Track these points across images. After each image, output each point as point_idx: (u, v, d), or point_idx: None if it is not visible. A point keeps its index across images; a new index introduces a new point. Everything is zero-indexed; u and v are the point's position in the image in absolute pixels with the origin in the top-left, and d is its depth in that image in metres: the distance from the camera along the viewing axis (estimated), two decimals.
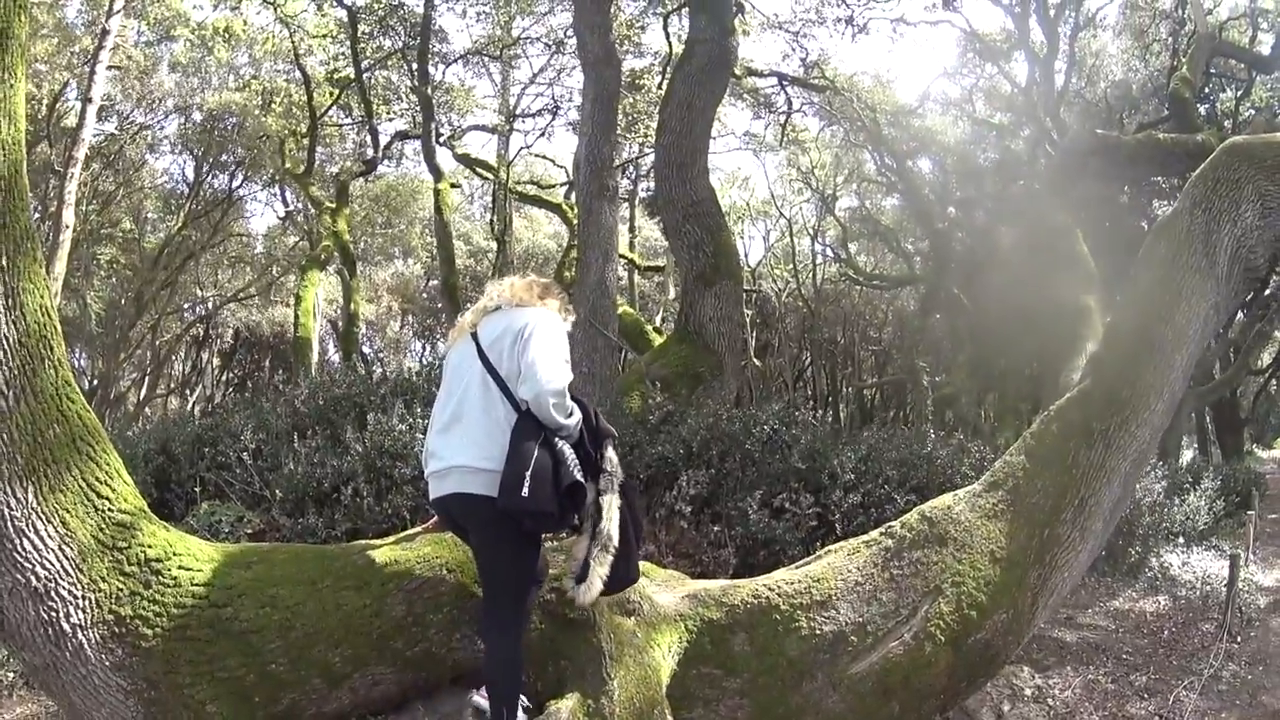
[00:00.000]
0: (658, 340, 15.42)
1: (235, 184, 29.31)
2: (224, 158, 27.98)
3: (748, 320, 30.08)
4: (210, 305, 33.25)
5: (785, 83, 22.75)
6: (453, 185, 22.91)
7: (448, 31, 24.14)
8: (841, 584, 4.73)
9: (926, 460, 9.06)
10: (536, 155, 28.39)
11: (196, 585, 3.98)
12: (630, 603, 4.55)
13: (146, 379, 32.78)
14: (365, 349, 37.84)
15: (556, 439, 3.94)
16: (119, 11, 20.32)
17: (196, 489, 8.11)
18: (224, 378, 36.23)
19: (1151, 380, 5.23)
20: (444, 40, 22.78)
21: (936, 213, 23.40)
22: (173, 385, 35.87)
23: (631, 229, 29.03)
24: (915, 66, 53.24)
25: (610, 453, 4.22)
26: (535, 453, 3.81)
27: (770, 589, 4.75)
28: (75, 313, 27.96)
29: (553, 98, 24.38)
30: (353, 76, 21.18)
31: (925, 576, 4.72)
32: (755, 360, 30.70)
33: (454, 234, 34.55)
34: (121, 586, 3.81)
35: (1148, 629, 8.59)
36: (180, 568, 3.99)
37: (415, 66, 20.64)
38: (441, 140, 23.10)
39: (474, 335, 4.19)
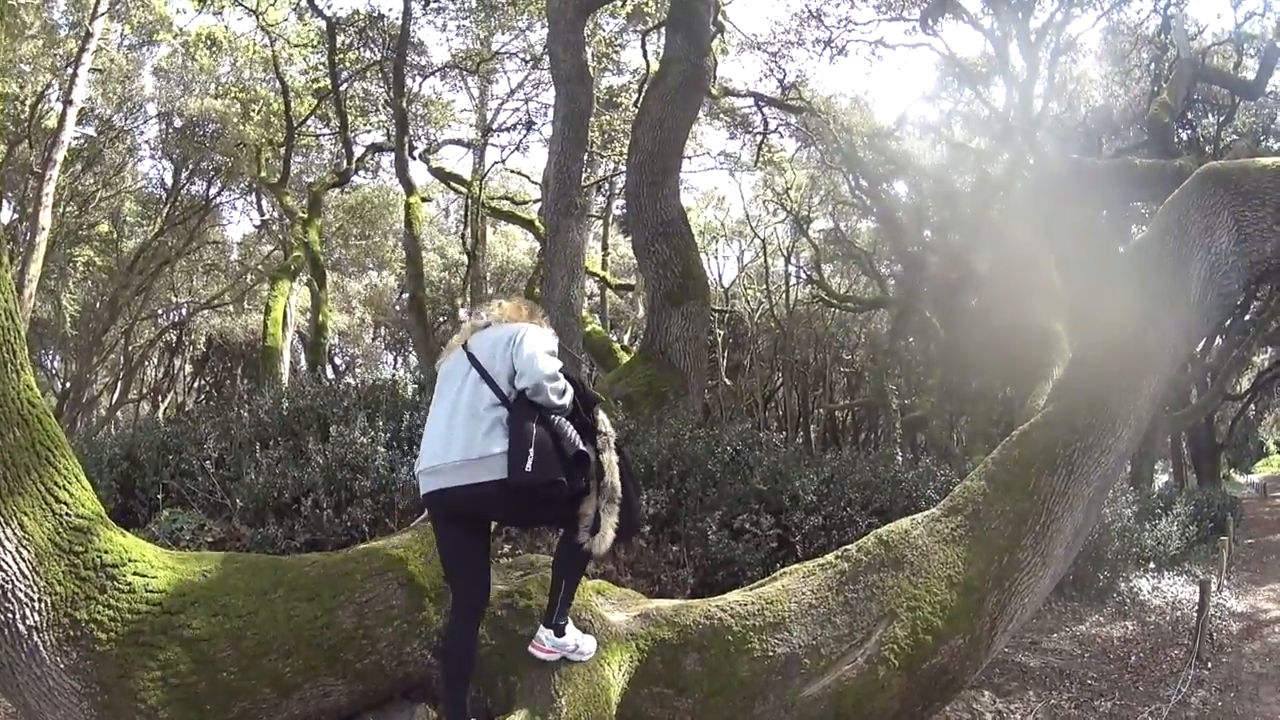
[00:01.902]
0: (625, 359, 15.37)
1: (213, 191, 29.18)
2: (203, 164, 27.81)
3: (719, 340, 30.16)
4: (184, 311, 33.03)
5: (762, 103, 22.82)
6: (424, 199, 22.83)
7: (427, 45, 24.01)
8: (795, 606, 4.69)
9: (891, 483, 9.03)
10: (511, 170, 28.44)
11: (151, 592, 3.99)
12: (581, 620, 4.51)
13: (119, 384, 32.47)
14: (338, 360, 37.77)
15: (552, 416, 4.24)
16: (103, 14, 20.26)
17: (159, 496, 7.98)
18: (196, 384, 36.03)
19: (1118, 406, 5.22)
20: (422, 53, 22.81)
21: (911, 236, 23.45)
22: (145, 390, 35.61)
23: (605, 247, 29.04)
24: (894, 90, 53.56)
25: (601, 415, 4.51)
26: (534, 430, 4.10)
27: (723, 610, 4.70)
28: (50, 315, 27.77)
29: (528, 113, 24.50)
30: (331, 87, 21.11)
31: (880, 600, 4.69)
32: (726, 380, 30.75)
33: (429, 248, 34.60)
34: (77, 590, 3.81)
35: (1114, 654, 8.58)
36: (135, 574, 4.00)
37: (392, 78, 20.57)
38: (416, 154, 23.09)
39: (464, 347, 4.46)
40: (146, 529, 7.20)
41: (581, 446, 4.23)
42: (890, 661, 4.49)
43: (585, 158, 12.62)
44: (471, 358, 4.36)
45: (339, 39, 20.61)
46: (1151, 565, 11.67)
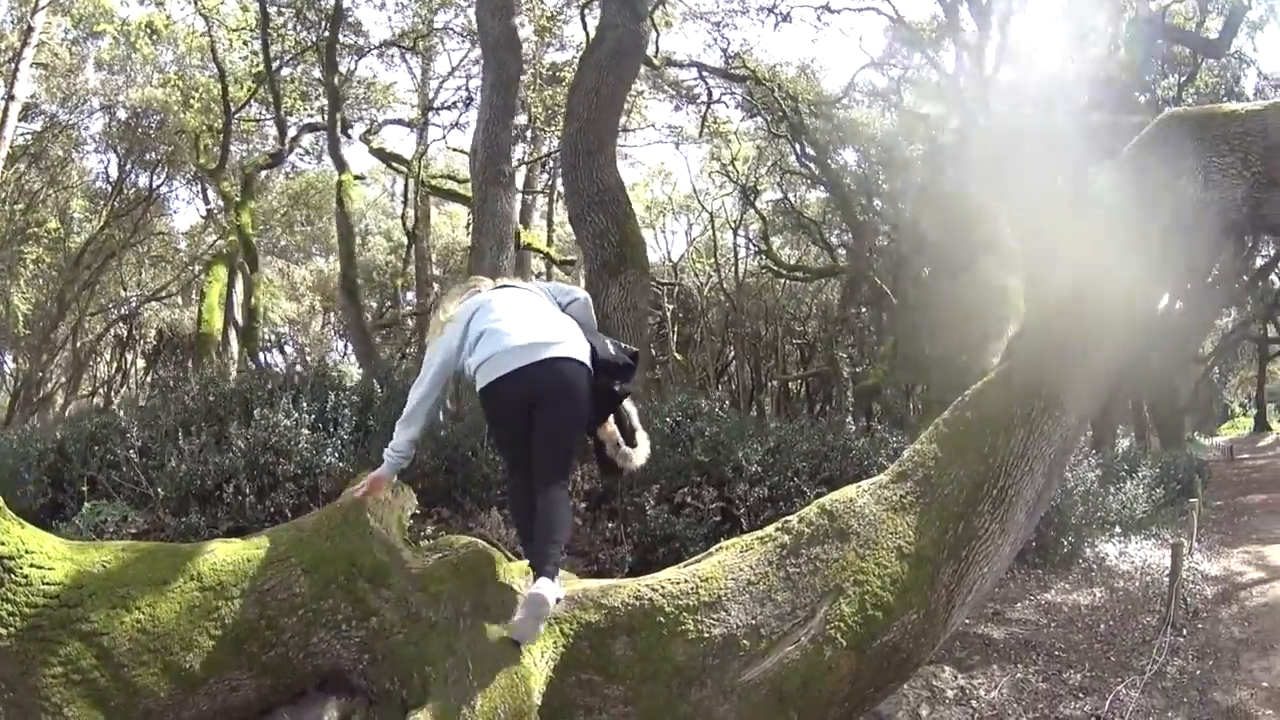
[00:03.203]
0: None
1: (157, 182, 28.61)
2: (147, 155, 27.25)
3: (669, 314, 29.94)
4: (132, 304, 32.45)
5: (705, 73, 22.52)
6: (357, 178, 22.36)
7: (365, 24, 23.50)
8: (732, 584, 4.34)
9: (840, 451, 8.75)
10: (454, 149, 27.99)
11: (48, 584, 3.86)
12: (500, 605, 4.26)
13: (71, 379, 31.88)
14: (289, 348, 37.26)
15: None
16: (44, 8, 19.71)
17: (84, 488, 7.81)
18: (149, 378, 35.47)
19: (1078, 362, 4.87)
20: (360, 33, 22.31)
21: (860, 205, 23.21)
22: (97, 386, 35.05)
23: (550, 224, 28.67)
24: (842, 57, 53.04)
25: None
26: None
27: (654, 589, 4.37)
28: (0, 314, 27.24)
29: (469, 90, 23.94)
30: (264, 68, 20.65)
31: (824, 575, 4.33)
32: (677, 355, 30.53)
33: (374, 231, 34.11)
34: None
35: (1082, 623, 8.27)
36: (32, 566, 3.87)
37: (325, 57, 20.13)
38: (356, 135, 22.68)
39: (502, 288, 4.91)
40: (72, 522, 7.20)
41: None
42: (837, 641, 4.13)
43: (515, 127, 12.33)
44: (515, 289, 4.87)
45: (275, 20, 20.19)
46: (1118, 530, 11.40)
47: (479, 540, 4.98)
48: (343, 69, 22.09)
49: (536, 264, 27.22)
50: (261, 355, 34.32)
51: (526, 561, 4.76)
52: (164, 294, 31.90)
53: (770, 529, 4.67)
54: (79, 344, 30.98)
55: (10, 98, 18.90)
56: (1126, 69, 16.13)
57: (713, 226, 31.20)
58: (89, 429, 8.71)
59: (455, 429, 8.39)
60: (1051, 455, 4.83)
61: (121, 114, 26.02)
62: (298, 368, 11.93)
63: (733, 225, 31.76)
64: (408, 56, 24.66)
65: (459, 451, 8.18)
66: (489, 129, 11.27)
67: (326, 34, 19.86)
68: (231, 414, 8.10)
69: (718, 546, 4.72)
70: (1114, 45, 19.43)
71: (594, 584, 4.65)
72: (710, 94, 23.44)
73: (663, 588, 4.37)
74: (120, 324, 33.70)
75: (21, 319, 27.50)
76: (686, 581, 4.39)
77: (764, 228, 29.97)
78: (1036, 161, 14.08)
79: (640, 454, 4.96)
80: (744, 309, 31.01)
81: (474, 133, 13.45)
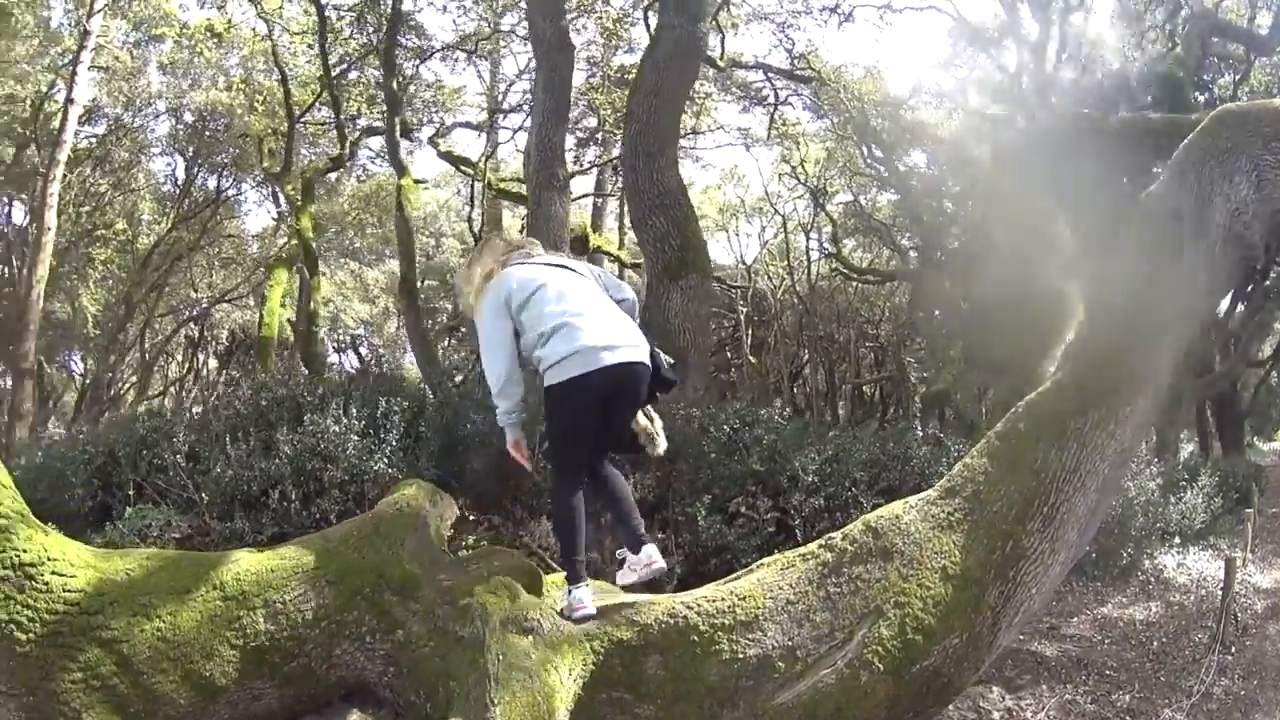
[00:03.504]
0: None
1: (225, 184, 28.89)
2: (215, 158, 27.53)
3: (743, 317, 29.69)
4: (202, 306, 32.91)
5: (771, 75, 22.30)
6: (418, 182, 22.37)
7: (428, 27, 23.54)
8: (770, 603, 4.20)
9: (900, 460, 8.51)
10: (523, 151, 27.88)
11: (69, 591, 3.85)
12: (529, 620, 4.15)
13: (139, 380, 32.39)
14: (363, 350, 37.56)
15: None
16: (99, 12, 20.04)
17: (131, 492, 7.88)
18: (222, 378, 35.98)
19: (1133, 371, 4.63)
20: (423, 36, 22.35)
21: (929, 206, 22.86)
22: (168, 386, 35.60)
23: (622, 227, 28.61)
24: (906, 58, 52.19)
25: None
26: None
27: (689, 607, 4.24)
28: (69, 315, 27.70)
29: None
30: (333, 74, 20.80)
31: (865, 596, 4.17)
32: (751, 358, 30.25)
33: (448, 234, 34.23)
34: None
35: (1136, 639, 7.97)
36: (54, 573, 3.86)
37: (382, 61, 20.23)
38: (412, 136, 22.72)
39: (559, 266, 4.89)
40: (117, 526, 7.16)
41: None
42: (874, 665, 3.97)
43: (585, 130, 12.31)
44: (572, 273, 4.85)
45: (335, 24, 20.40)
46: (1177, 540, 11.04)
47: (515, 552, 4.92)
48: (406, 72, 22.25)
49: (609, 268, 27.18)
50: (336, 356, 34.86)
51: (564, 574, 4.73)
52: (234, 295, 32.21)
53: (813, 545, 4.52)
54: (147, 345, 31.43)
55: (70, 101, 19.24)
56: (1182, 66, 15.64)
57: (785, 229, 30.88)
58: (140, 433, 8.71)
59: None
60: (1106, 470, 4.61)
61: (188, 117, 26.24)
62: (373, 368, 12.04)
63: (805, 228, 31.41)
64: (475, 59, 24.65)
65: (510, 458, 8.12)
66: (542, 131, 11.26)
67: (384, 37, 19.93)
68: (281, 419, 8.07)
69: (759, 563, 4.59)
70: (1170, 42, 18.95)
71: (631, 599, 4.54)
72: (777, 95, 23.22)
73: (698, 605, 4.25)
74: (191, 325, 34.15)
75: (91, 320, 27.91)
76: (723, 599, 4.26)
77: (834, 230, 29.62)
78: (1097, 162, 13.72)
79: (662, 442, 5.09)
80: (817, 312, 30.66)
81: (528, 136, 13.41)
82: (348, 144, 22.86)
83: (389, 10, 19.66)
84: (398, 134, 20.04)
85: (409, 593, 4.24)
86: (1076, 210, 13.28)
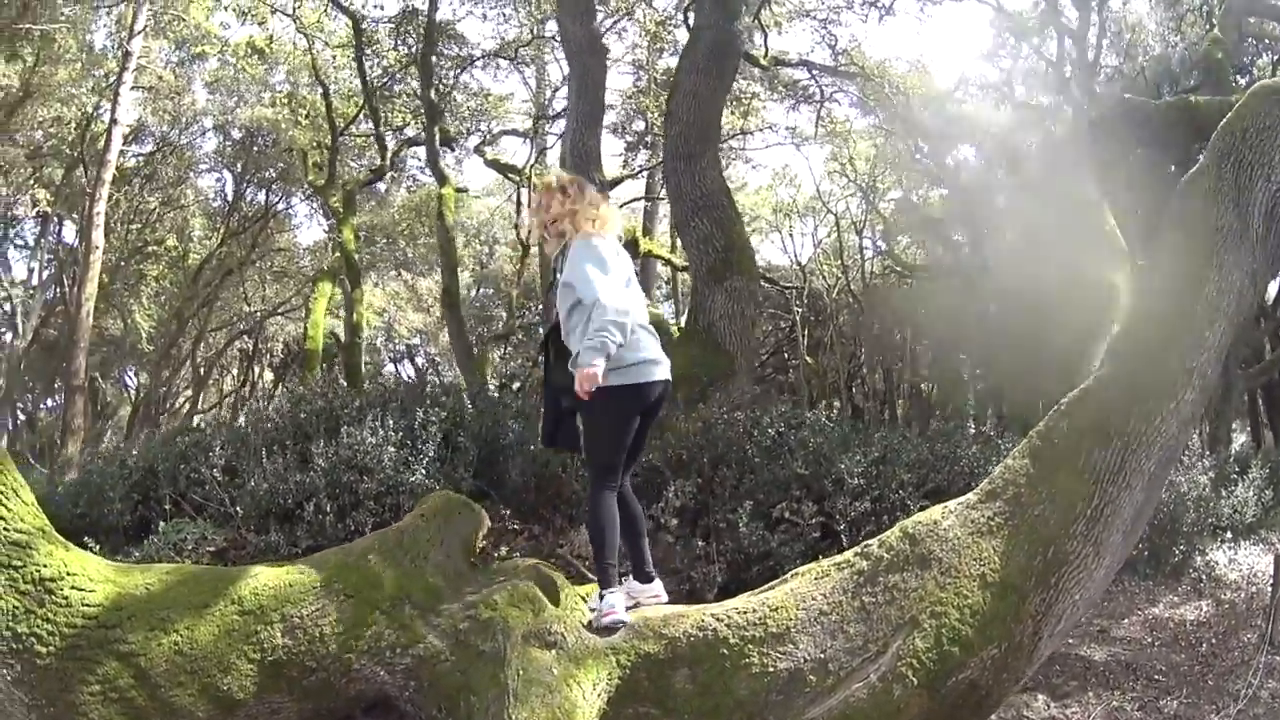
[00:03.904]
0: None
1: (274, 199, 29.19)
2: (267, 173, 27.80)
3: (798, 318, 29.40)
4: (254, 319, 33.24)
5: (815, 71, 22.10)
6: (459, 190, 22.33)
7: (470, 36, 23.53)
8: (803, 614, 4.07)
9: (948, 460, 8.28)
10: (560, 157, 27.78)
11: (88, 606, 3.94)
12: (552, 634, 4.12)
13: (192, 394, 32.80)
14: (419, 360, 37.73)
15: None
16: (140, 33, 20.30)
17: (167, 507, 7.89)
18: (278, 391, 36.29)
19: (1179, 364, 4.42)
20: (464, 44, 22.37)
21: (979, 200, 22.48)
22: (223, 399, 36.00)
23: (673, 231, 28.47)
24: (949, 50, 51.45)
25: None
26: None
27: (719, 619, 4.15)
28: (121, 330, 28.09)
29: None
30: (376, 85, 20.91)
31: (901, 606, 4.02)
32: (808, 359, 29.94)
33: (501, 241, 34.25)
34: (17, 604, 3.79)
35: (1186, 641, 7.64)
36: (73, 588, 3.95)
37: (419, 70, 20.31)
38: (454, 145, 22.75)
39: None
40: (154, 541, 7.14)
41: None
42: (908, 679, 3.80)
43: (634, 134, 12.25)
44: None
45: (374, 36, 20.57)
46: (1228, 535, 10.65)
47: (543, 564, 4.84)
48: (448, 81, 22.28)
49: (662, 270, 27.06)
50: (392, 366, 35.03)
51: (595, 584, 4.71)
52: (285, 308, 32.49)
53: (849, 554, 4.40)
54: (198, 359, 31.79)
55: (114, 122, 19.52)
56: (1221, 48, 15.22)
57: (838, 228, 30.56)
58: (179, 447, 8.78)
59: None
60: (1152, 468, 4.42)
61: (235, 133, 26.52)
62: (430, 377, 11.98)
63: (857, 226, 31.07)
64: (520, 67, 24.65)
65: (549, 468, 8.04)
66: (576, 136, 11.16)
67: (420, 45, 20.02)
68: (318, 431, 8.03)
69: (794, 572, 4.49)
70: (1208, 24, 18.51)
71: (656, 612, 4.44)
72: (823, 92, 23.04)
73: (728, 617, 4.15)
74: (245, 338, 34.49)
75: (145, 335, 28.27)
76: (754, 611, 4.16)
77: (885, 227, 29.27)
78: (1140, 149, 13.39)
79: None
80: (873, 310, 30.26)
81: (562, 141, 13.33)
82: (388, 155, 22.89)
83: (425, 21, 19.73)
84: (438, 143, 20.02)
85: (431, 606, 4.21)
86: (1122, 199, 12.96)
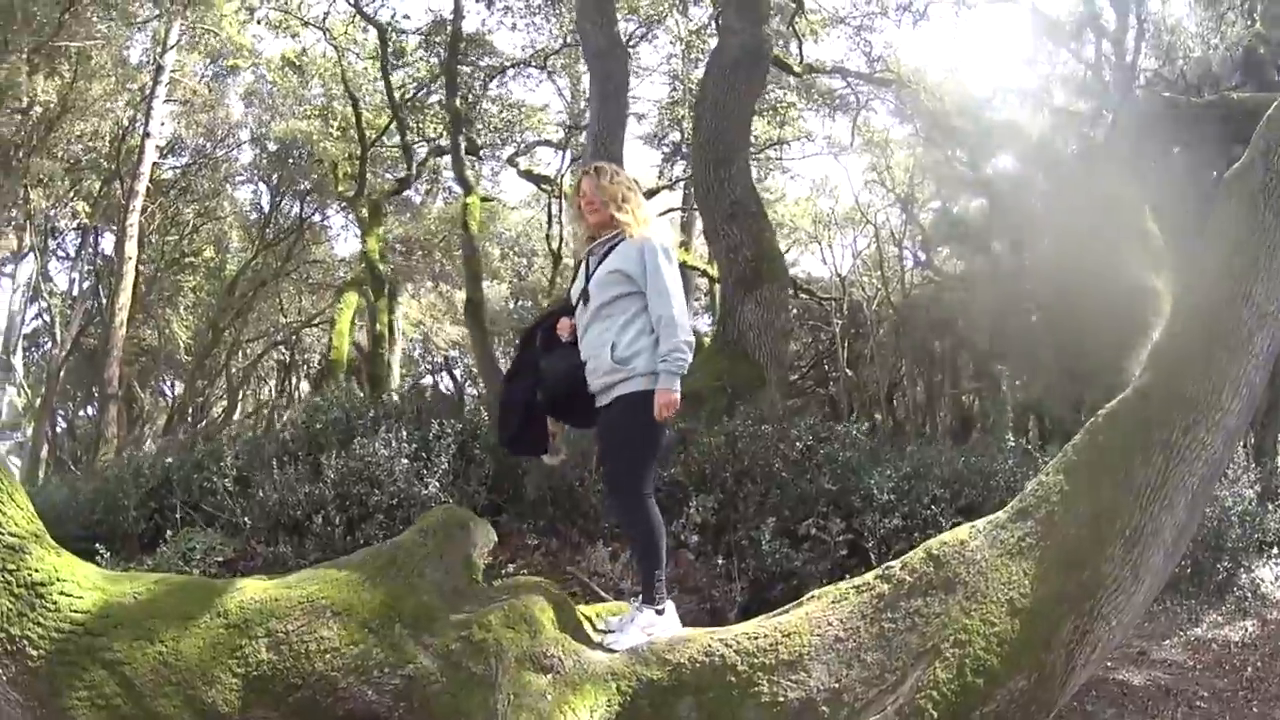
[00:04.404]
0: None
1: (309, 211, 29.34)
2: (302, 185, 27.92)
3: (838, 330, 29.08)
4: (288, 330, 33.41)
5: (849, 79, 21.90)
6: (485, 199, 22.23)
7: (502, 46, 23.47)
8: (818, 640, 3.80)
9: (982, 475, 7.98)
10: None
11: (75, 612, 3.88)
12: (548, 657, 3.93)
13: (226, 404, 32.98)
14: (457, 372, 37.74)
15: None
16: (173, 48, 20.50)
17: (178, 515, 7.95)
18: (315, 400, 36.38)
19: (1225, 372, 4.10)
20: (494, 54, 22.40)
21: (1018, 208, 22.11)
22: (260, 408, 36.18)
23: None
24: (984, 57, 50.72)
25: None
26: None
27: (727, 644, 3.88)
28: (160, 340, 28.28)
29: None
30: (407, 97, 20.96)
31: (923, 633, 3.74)
32: (848, 370, 29.58)
33: (539, 253, 34.17)
34: (11, 607, 3.76)
35: (1229, 664, 7.26)
36: (62, 593, 3.90)
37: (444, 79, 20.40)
38: (484, 155, 22.69)
39: None
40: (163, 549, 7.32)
41: None
42: (927, 712, 3.51)
43: (671, 144, 12.14)
44: None
45: (403, 47, 20.81)
46: (1275, 551, 10.21)
47: (548, 583, 4.65)
48: (478, 92, 22.33)
49: (701, 282, 26.86)
50: (430, 378, 35.02)
51: (604, 604, 4.77)
52: (320, 320, 32.58)
53: (870, 576, 4.13)
54: (233, 369, 31.95)
55: (145, 135, 19.70)
56: (1264, 43, 14.77)
57: (877, 239, 30.25)
58: (196, 457, 8.91)
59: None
60: (1195, 485, 4.10)
61: (271, 145, 26.66)
62: (468, 390, 11.85)
63: (896, 237, 30.74)
64: (555, 77, 24.60)
65: (565, 481, 7.88)
66: (598, 141, 11.07)
67: (444, 54, 20.11)
68: (331, 442, 8.02)
69: (810, 595, 4.21)
70: (1250, 20, 18.07)
71: (667, 636, 4.21)
72: (859, 100, 22.95)
73: (737, 643, 3.89)
74: (282, 348, 34.66)
75: (183, 345, 28.46)
76: (766, 636, 3.89)
77: (924, 236, 28.93)
78: (1182, 150, 13.02)
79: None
80: (914, 322, 29.87)
81: (584, 148, 13.18)
82: (414, 165, 22.93)
83: (464, 31, 19.77)
84: (462, 152, 20.03)
85: (423, 626, 4.05)
86: (1164, 201, 12.58)
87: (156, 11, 20.30)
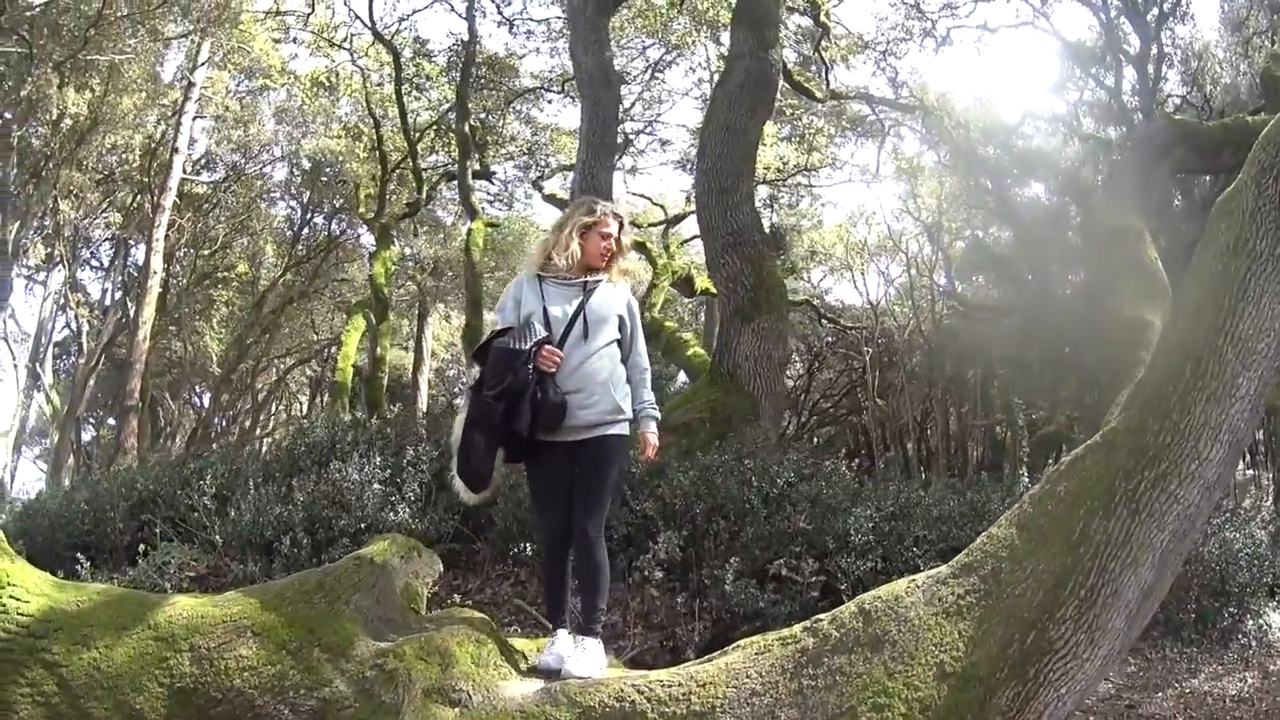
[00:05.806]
0: None
1: (338, 229, 29.53)
2: (333, 203, 28.06)
3: (868, 360, 28.78)
4: (314, 348, 33.57)
5: (874, 104, 21.72)
6: (489, 225, 22.12)
7: (519, 69, 23.45)
8: (733, 692, 3.63)
9: (972, 517, 7.70)
10: (633, 194, 27.56)
11: (22, 615, 4.21)
12: (457, 691, 3.97)
13: (249, 418, 33.11)
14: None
15: None
16: (204, 64, 20.81)
17: (156, 531, 8.03)
18: (302, 423, 36.53)
19: (1202, 416, 3.78)
20: (512, 76, 22.55)
21: (1046, 237, 21.72)
22: (288, 424, 36.32)
23: None
24: (1010, 82, 50.00)
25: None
26: None
27: (639, 690, 3.76)
28: (188, 352, 28.42)
29: (624, 133, 23.71)
30: (431, 120, 21.06)
31: (842, 692, 3.54)
32: (878, 400, 29.21)
33: None
34: None
35: None
36: (11, 597, 4.23)
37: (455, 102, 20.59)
38: (488, 177, 22.76)
39: None
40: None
41: None
42: None
43: (613, 164, 12.15)
44: None
45: (426, 71, 21.16)
46: None
47: (479, 616, 4.67)
48: (495, 115, 22.63)
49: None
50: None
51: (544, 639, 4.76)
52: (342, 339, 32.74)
53: (797, 628, 3.95)
54: (258, 385, 32.08)
55: (174, 150, 19.85)
56: (1279, 62, 14.35)
57: (908, 267, 29.95)
58: (184, 473, 8.99)
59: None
60: (1165, 542, 3.79)
61: (305, 163, 26.87)
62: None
63: (927, 265, 30.42)
64: (576, 100, 24.58)
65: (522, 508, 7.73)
66: (586, 169, 10.98)
67: (456, 78, 20.40)
68: (309, 465, 8.22)
69: (735, 645, 4.02)
70: (1274, 42, 17.73)
71: (578, 680, 4.06)
72: (884, 126, 22.91)
73: (651, 690, 3.76)
74: (314, 364, 34.80)
75: (215, 358, 28.62)
76: (680, 685, 3.74)
77: (949, 265, 28.61)
78: (1189, 169, 12.67)
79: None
80: (944, 351, 29.47)
81: (573, 176, 13.01)
82: (424, 189, 22.99)
83: (485, 54, 19.87)
84: (469, 178, 20.14)
85: (340, 651, 4.17)
86: (1168, 227, 12.24)
87: (185, 29, 20.48)
